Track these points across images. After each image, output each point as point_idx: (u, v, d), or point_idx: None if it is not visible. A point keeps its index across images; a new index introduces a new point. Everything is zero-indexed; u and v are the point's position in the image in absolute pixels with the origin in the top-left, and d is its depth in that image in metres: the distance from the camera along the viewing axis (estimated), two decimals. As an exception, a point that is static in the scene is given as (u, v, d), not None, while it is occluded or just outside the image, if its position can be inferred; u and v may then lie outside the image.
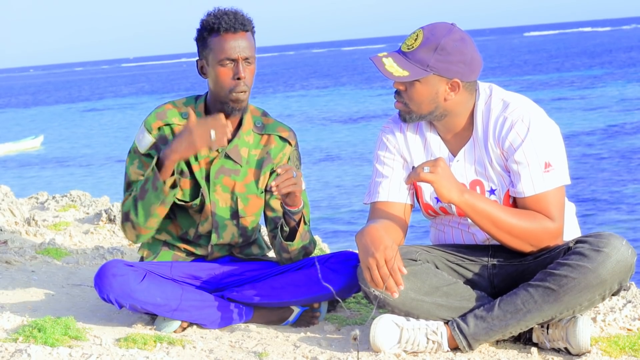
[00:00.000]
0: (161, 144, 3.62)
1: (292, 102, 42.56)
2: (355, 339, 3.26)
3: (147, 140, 3.63)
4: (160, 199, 3.50)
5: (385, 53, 3.34)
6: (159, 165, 3.50)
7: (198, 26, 3.61)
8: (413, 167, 3.23)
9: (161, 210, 3.54)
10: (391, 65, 3.29)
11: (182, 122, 3.64)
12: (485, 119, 3.35)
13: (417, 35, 3.30)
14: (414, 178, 3.21)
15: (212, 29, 3.54)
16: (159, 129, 3.63)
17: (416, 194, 3.49)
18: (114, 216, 5.90)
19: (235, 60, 3.53)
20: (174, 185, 3.51)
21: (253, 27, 3.60)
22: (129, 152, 3.69)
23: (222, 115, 3.49)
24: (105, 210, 5.98)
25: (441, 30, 3.28)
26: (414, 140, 3.46)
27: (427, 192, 3.45)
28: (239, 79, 3.53)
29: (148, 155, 3.63)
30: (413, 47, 3.28)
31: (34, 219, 5.78)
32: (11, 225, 5.68)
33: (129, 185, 3.66)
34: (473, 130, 3.37)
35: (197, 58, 3.63)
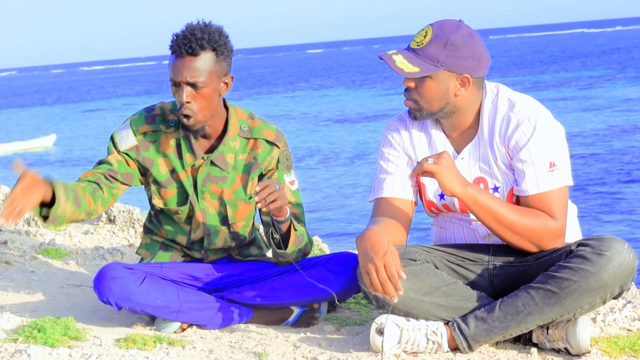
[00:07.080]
0: (142, 149, 3.61)
1: (290, 102, 42.56)
2: (378, 329, 3.25)
3: (129, 142, 3.61)
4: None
5: (394, 50, 3.34)
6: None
7: None
8: (418, 162, 3.23)
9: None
10: (401, 62, 3.29)
11: (169, 130, 3.61)
12: (492, 118, 3.35)
13: (426, 32, 3.31)
14: (418, 170, 3.21)
15: (170, 48, 3.51)
16: (144, 134, 3.62)
17: (419, 191, 3.49)
18: (114, 217, 5.90)
19: (178, 84, 3.48)
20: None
21: (214, 49, 3.45)
22: (111, 137, 3.62)
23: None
24: (105, 211, 5.98)
25: (450, 26, 3.29)
26: (418, 137, 3.47)
27: (431, 190, 3.45)
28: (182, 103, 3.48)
29: (126, 154, 3.61)
30: (423, 43, 3.29)
31: (34, 219, 5.78)
32: (11, 225, 5.68)
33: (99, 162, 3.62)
34: (478, 129, 3.37)
35: None
